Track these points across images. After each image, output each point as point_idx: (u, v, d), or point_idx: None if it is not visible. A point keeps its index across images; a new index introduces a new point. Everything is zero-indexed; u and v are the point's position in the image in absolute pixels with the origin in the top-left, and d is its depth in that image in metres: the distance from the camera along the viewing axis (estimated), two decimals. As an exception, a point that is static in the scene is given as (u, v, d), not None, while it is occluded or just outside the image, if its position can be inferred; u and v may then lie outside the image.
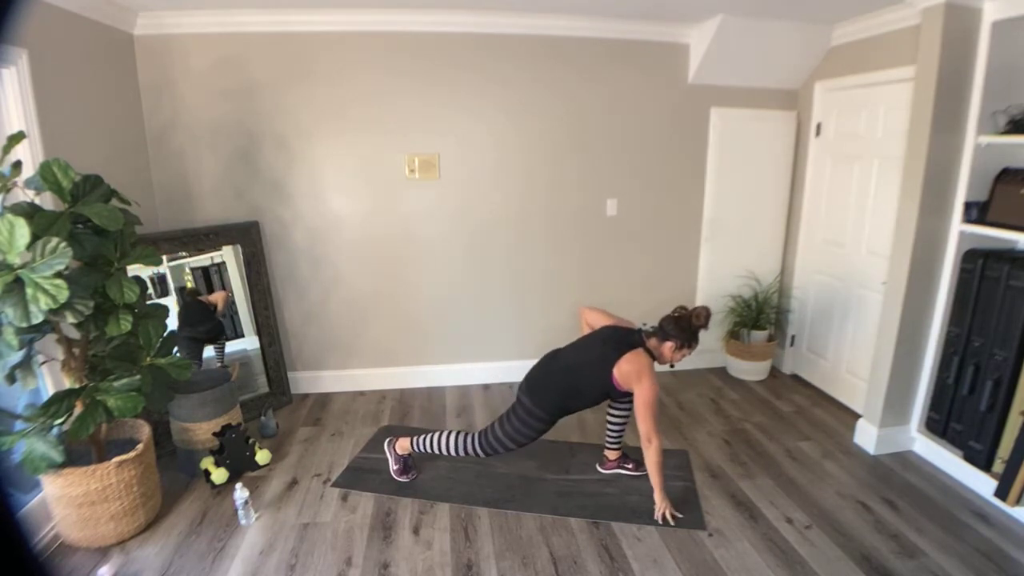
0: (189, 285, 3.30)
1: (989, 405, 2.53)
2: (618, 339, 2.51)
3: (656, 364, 2.49)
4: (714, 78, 3.65)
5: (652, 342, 2.51)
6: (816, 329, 3.83)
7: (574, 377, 2.51)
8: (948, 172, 2.70)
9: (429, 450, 2.66)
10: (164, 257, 3.11)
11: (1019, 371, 2.44)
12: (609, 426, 2.80)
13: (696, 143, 3.81)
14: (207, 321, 3.34)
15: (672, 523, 2.44)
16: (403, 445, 2.74)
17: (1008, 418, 2.48)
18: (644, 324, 2.64)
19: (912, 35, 2.80)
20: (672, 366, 2.58)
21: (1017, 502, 2.41)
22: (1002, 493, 2.45)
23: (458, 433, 2.64)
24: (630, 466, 2.81)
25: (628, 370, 2.40)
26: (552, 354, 2.65)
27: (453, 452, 2.63)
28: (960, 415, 2.71)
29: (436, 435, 2.66)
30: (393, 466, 2.75)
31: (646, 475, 2.78)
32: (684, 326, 2.47)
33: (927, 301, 2.87)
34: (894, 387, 2.96)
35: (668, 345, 2.49)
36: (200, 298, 3.33)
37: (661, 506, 2.46)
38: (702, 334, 2.54)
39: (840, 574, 2.16)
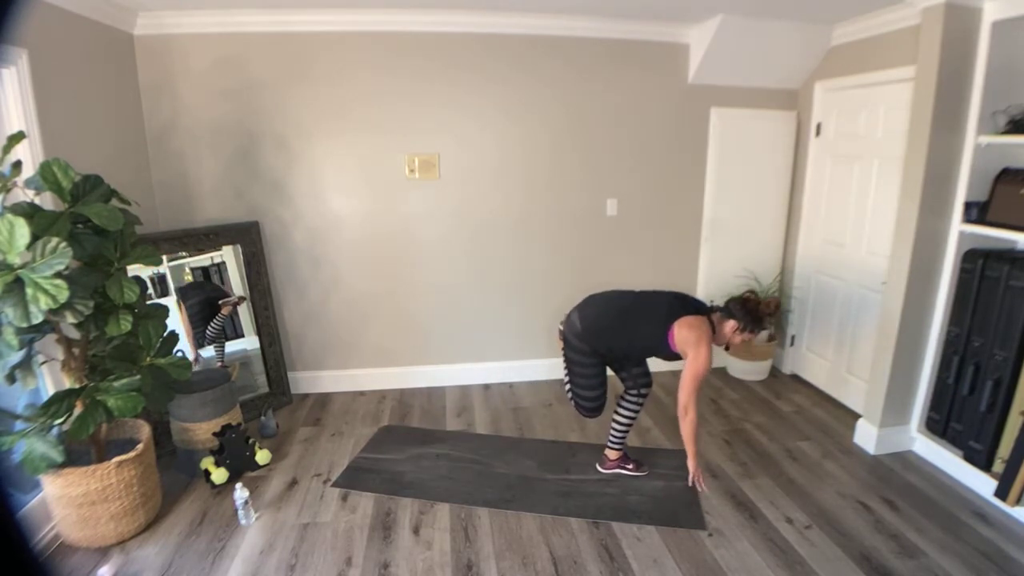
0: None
1: (989, 405, 2.53)
2: (686, 302, 2.56)
3: (716, 343, 2.51)
4: (714, 78, 3.65)
5: (715, 316, 2.53)
6: (816, 329, 3.83)
7: (632, 320, 2.54)
8: (948, 172, 2.70)
9: (620, 436, 2.78)
10: (164, 257, 3.11)
11: (1019, 371, 2.44)
12: (615, 425, 2.79)
13: (696, 143, 3.81)
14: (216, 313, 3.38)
15: (704, 489, 2.56)
16: (612, 454, 2.82)
17: (1008, 418, 2.48)
18: (711, 301, 2.68)
19: (912, 35, 2.80)
20: (727, 348, 2.60)
21: (1017, 502, 2.41)
22: (1002, 493, 2.45)
23: (614, 413, 2.76)
24: (630, 466, 2.81)
25: (688, 334, 2.42)
26: (608, 294, 2.68)
27: (624, 423, 2.74)
28: (960, 415, 2.71)
29: (612, 426, 2.77)
30: (627, 467, 2.81)
31: (646, 475, 2.79)
32: (751, 308, 2.48)
33: (927, 301, 2.87)
34: (894, 387, 2.96)
35: (730, 324, 2.49)
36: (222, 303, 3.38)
37: (695, 472, 2.53)
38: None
39: (840, 574, 2.16)
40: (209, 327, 3.33)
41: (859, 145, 3.37)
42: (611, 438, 2.81)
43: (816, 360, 3.84)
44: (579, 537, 2.39)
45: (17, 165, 1.97)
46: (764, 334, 3.94)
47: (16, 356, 1.94)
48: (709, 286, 4.02)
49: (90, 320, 2.02)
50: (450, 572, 2.19)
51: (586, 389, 2.62)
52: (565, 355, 2.65)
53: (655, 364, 4.09)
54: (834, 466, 2.92)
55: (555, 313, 3.84)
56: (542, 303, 3.88)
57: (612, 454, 2.83)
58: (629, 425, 2.77)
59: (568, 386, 2.72)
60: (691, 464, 2.54)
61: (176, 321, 3.16)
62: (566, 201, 3.75)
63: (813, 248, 3.82)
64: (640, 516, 2.50)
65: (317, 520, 2.49)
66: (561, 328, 2.66)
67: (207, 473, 2.68)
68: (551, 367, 3.99)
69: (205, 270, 3.38)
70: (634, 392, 2.73)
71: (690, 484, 2.56)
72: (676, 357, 2.52)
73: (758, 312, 2.48)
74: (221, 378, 2.93)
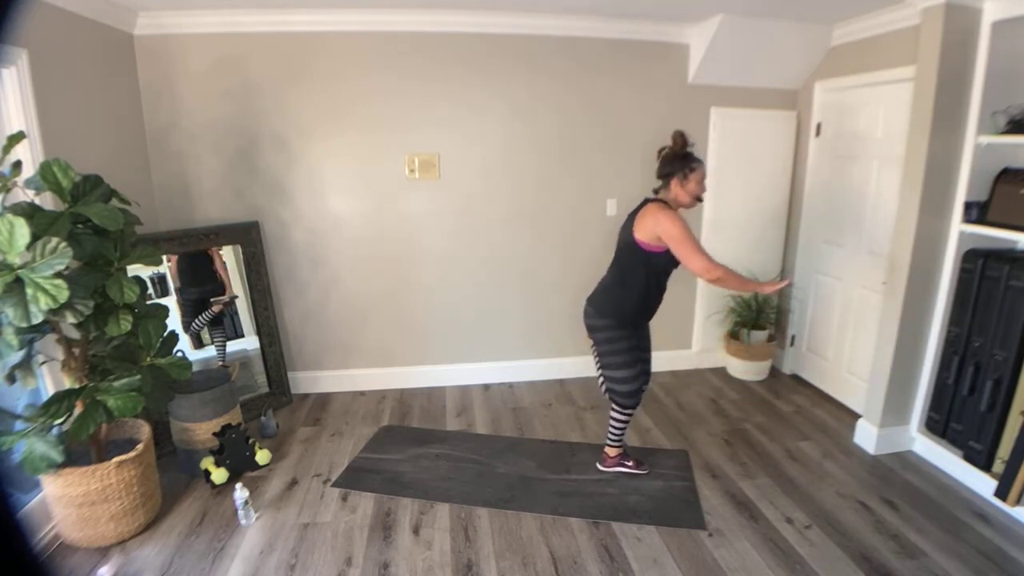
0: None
1: (989, 405, 2.53)
2: (630, 213, 2.52)
3: (682, 209, 2.47)
4: (714, 78, 3.65)
5: (662, 195, 2.49)
6: (816, 329, 3.83)
7: (617, 270, 2.54)
8: (948, 172, 2.70)
9: (617, 433, 2.74)
10: (164, 257, 3.11)
11: (1019, 371, 2.44)
12: (612, 422, 2.79)
13: (696, 143, 3.79)
14: (208, 281, 3.35)
15: (788, 283, 2.43)
16: (611, 452, 2.81)
17: (1008, 418, 2.48)
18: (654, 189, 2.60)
19: (912, 35, 2.80)
20: (700, 200, 2.50)
21: (1017, 502, 2.41)
22: (1002, 493, 2.45)
23: (611, 411, 2.70)
24: (630, 463, 2.81)
25: (644, 222, 2.40)
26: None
27: (618, 425, 2.69)
28: (960, 415, 2.71)
29: (609, 423, 2.74)
30: (627, 464, 2.80)
31: (646, 474, 2.79)
32: (670, 157, 2.46)
33: (927, 301, 2.87)
34: (894, 387, 2.96)
35: (673, 183, 2.44)
36: (215, 255, 3.36)
37: (771, 288, 2.45)
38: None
39: (840, 574, 2.16)
40: (196, 320, 3.30)
41: (859, 145, 3.37)
42: (609, 435, 2.81)
43: (816, 360, 3.84)
44: (579, 537, 2.39)
45: (17, 165, 1.97)
46: (763, 335, 3.95)
47: (16, 356, 1.94)
48: (709, 285, 4.01)
49: (90, 320, 2.02)
50: (450, 572, 2.19)
51: (616, 369, 2.58)
52: (592, 343, 2.64)
53: (655, 364, 4.10)
54: (834, 466, 2.92)
55: (555, 313, 3.85)
56: (542, 303, 3.87)
57: (612, 452, 2.83)
58: (626, 422, 2.77)
59: (601, 380, 2.68)
60: (766, 288, 2.45)
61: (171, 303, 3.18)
62: (566, 201, 3.75)
63: (813, 248, 3.82)
64: (640, 516, 2.50)
65: (317, 520, 2.49)
66: (584, 321, 2.67)
67: (207, 473, 2.68)
68: (551, 367, 3.99)
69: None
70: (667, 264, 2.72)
71: (788, 282, 2.50)
72: (668, 261, 2.44)
73: (675, 152, 2.44)
74: (221, 378, 2.93)
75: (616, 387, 2.62)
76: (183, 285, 3.25)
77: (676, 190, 2.45)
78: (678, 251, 2.34)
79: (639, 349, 2.65)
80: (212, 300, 3.35)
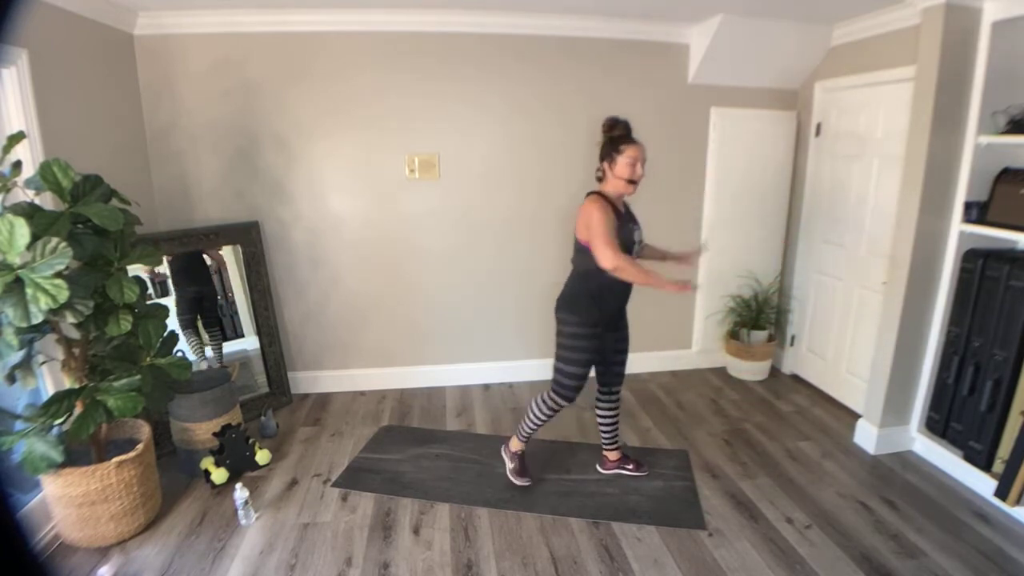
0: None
1: (989, 405, 2.53)
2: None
3: (625, 195, 2.44)
4: (714, 78, 3.65)
5: (601, 185, 2.46)
6: (816, 329, 3.83)
7: (573, 267, 2.52)
8: (948, 172, 2.70)
9: (530, 428, 2.66)
10: (164, 257, 3.11)
11: (1019, 371, 2.44)
12: (601, 425, 2.81)
13: (696, 143, 3.81)
14: (202, 281, 3.34)
15: (691, 288, 2.29)
16: (513, 443, 2.75)
17: (1008, 418, 2.48)
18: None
19: (912, 35, 2.80)
20: (634, 183, 2.41)
21: (1017, 502, 2.42)
22: (1002, 493, 2.45)
23: (539, 396, 2.63)
24: (630, 467, 2.81)
25: (579, 219, 2.38)
26: None
27: (543, 413, 2.60)
28: (960, 415, 2.71)
29: (527, 413, 2.67)
30: (509, 465, 2.75)
31: (646, 475, 2.79)
32: (601, 148, 2.44)
33: (927, 301, 2.87)
34: (894, 387, 2.96)
35: (605, 169, 2.42)
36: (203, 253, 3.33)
37: (671, 286, 2.24)
38: None
39: (840, 574, 2.16)
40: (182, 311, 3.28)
41: (859, 145, 3.37)
42: (603, 440, 2.82)
43: (816, 360, 3.84)
44: (579, 537, 2.39)
45: (17, 165, 1.97)
46: (763, 335, 3.95)
47: (16, 356, 1.94)
48: (709, 286, 4.02)
49: (90, 320, 2.01)
50: (450, 572, 2.19)
51: (565, 363, 2.50)
52: (560, 344, 2.56)
53: (655, 364, 4.11)
54: (834, 466, 2.92)
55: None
56: (542, 303, 3.85)
57: (611, 455, 2.83)
58: (614, 422, 2.77)
59: (555, 366, 2.58)
60: (667, 286, 2.24)
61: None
62: (565, 201, 3.74)
63: (813, 248, 3.82)
64: (640, 516, 2.50)
65: (317, 520, 2.49)
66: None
67: (207, 473, 2.68)
68: (551, 367, 3.98)
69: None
70: (605, 391, 2.74)
71: (689, 288, 2.27)
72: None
73: (605, 137, 2.41)
74: (221, 378, 2.93)
75: (560, 378, 2.54)
76: (178, 285, 3.24)
77: (608, 176, 2.43)
78: (590, 241, 2.30)
79: (601, 352, 2.57)
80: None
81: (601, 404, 2.78)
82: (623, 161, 2.37)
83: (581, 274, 2.47)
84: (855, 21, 3.24)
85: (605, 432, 2.81)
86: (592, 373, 2.59)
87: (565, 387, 2.54)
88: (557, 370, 2.56)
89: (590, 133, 3.64)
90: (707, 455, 3.01)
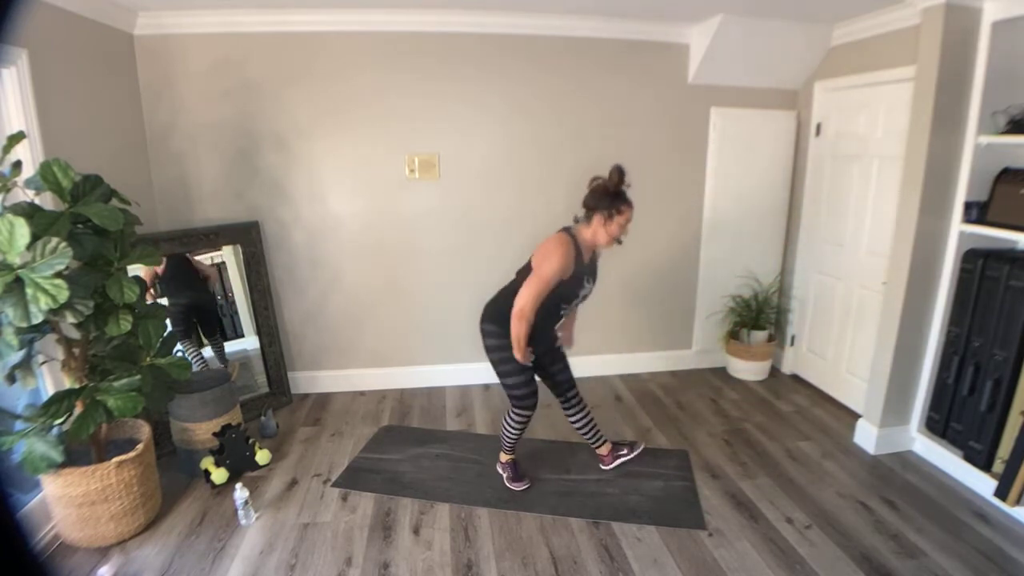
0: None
1: (989, 405, 2.53)
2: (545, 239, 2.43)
3: (603, 248, 2.41)
4: (714, 78, 3.65)
5: (580, 229, 2.41)
6: (816, 329, 3.83)
7: (511, 285, 2.48)
8: (948, 172, 2.70)
9: (510, 441, 2.67)
10: (164, 257, 3.11)
11: (1019, 371, 2.44)
12: (577, 430, 2.83)
13: (696, 143, 3.80)
14: (195, 290, 3.32)
15: (526, 362, 2.36)
16: (502, 456, 2.76)
17: (1008, 418, 2.48)
18: (574, 218, 2.50)
19: (912, 35, 2.80)
20: (620, 243, 2.42)
21: (1017, 502, 2.41)
22: (1002, 493, 2.45)
23: (506, 411, 2.64)
24: (625, 451, 2.83)
25: (538, 249, 2.34)
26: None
27: (513, 426, 2.61)
28: (960, 415, 2.71)
29: (501, 428, 2.69)
30: (504, 475, 2.74)
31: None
32: (600, 192, 2.34)
33: (927, 301, 2.87)
34: (894, 387, 2.96)
35: (596, 219, 2.35)
36: (192, 259, 3.29)
37: (520, 355, 2.35)
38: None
39: (840, 574, 2.16)
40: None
41: (859, 145, 3.37)
42: (587, 440, 2.84)
43: (816, 360, 3.84)
44: (579, 537, 2.39)
45: (17, 165, 1.97)
46: (763, 335, 3.95)
47: (16, 356, 1.94)
48: (709, 286, 4.02)
49: (90, 320, 2.01)
50: (450, 572, 2.19)
51: (506, 376, 2.49)
52: (491, 360, 2.53)
53: (655, 364, 4.11)
54: (834, 466, 2.92)
55: (555, 313, 3.84)
56: (542, 303, 3.87)
57: (602, 451, 2.85)
58: (585, 423, 2.78)
59: (504, 388, 2.59)
60: (519, 353, 2.34)
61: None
62: (565, 201, 3.72)
63: (813, 248, 3.82)
64: (640, 516, 2.50)
65: (317, 520, 2.49)
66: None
67: (207, 473, 2.68)
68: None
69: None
70: (560, 398, 2.74)
71: (529, 360, 2.38)
72: (559, 294, 2.37)
73: (607, 188, 2.33)
74: (221, 378, 2.93)
75: (509, 391, 2.54)
76: (171, 294, 3.21)
77: (596, 227, 2.36)
78: (524, 286, 2.28)
79: (535, 365, 2.54)
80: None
81: (565, 411, 2.80)
82: (619, 221, 2.36)
83: (511, 285, 2.46)
84: (855, 21, 3.24)
85: (584, 434, 2.83)
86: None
87: (519, 397, 2.54)
88: (503, 385, 2.56)
89: (590, 133, 3.66)
90: (707, 455, 3.01)
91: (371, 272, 3.66)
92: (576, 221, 2.47)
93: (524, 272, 2.45)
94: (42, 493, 2.27)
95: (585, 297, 2.53)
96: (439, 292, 3.75)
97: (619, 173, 2.35)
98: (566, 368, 2.72)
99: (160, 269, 3.11)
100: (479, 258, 3.74)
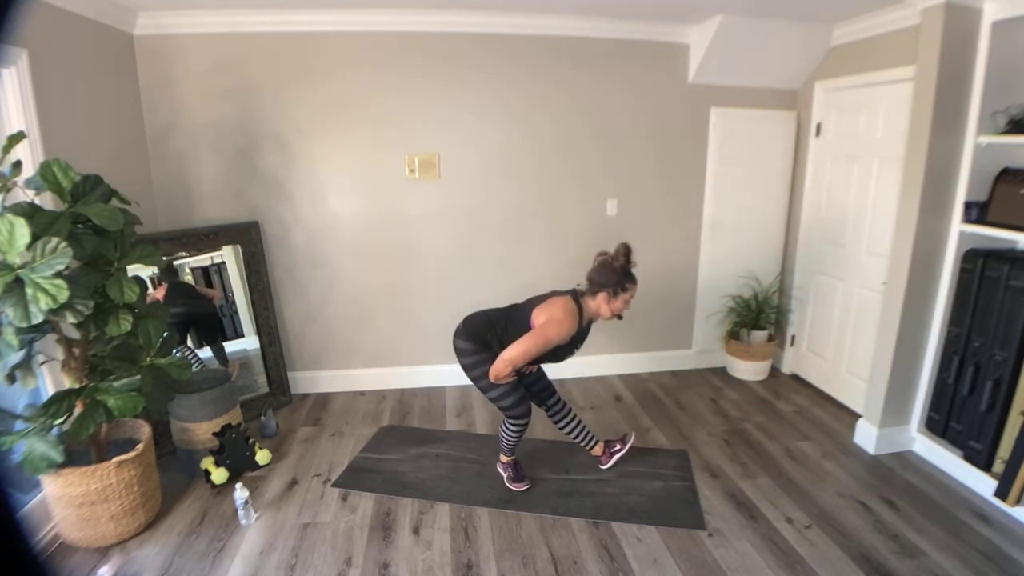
0: (187, 278, 3.30)
1: (989, 405, 2.53)
2: (553, 292, 2.51)
3: (602, 318, 2.46)
4: (714, 78, 3.65)
5: (586, 300, 2.45)
6: (816, 329, 3.83)
7: (501, 314, 2.52)
8: (948, 172, 2.70)
9: (509, 446, 2.67)
10: (164, 257, 3.10)
11: (1019, 371, 2.44)
12: (567, 434, 2.84)
13: (696, 143, 3.81)
14: (191, 302, 3.31)
15: (505, 381, 2.40)
16: (596, 450, 2.81)
17: (1008, 418, 2.48)
18: (577, 285, 2.54)
19: (912, 35, 2.80)
20: (620, 317, 2.49)
21: (1017, 502, 2.42)
22: (1002, 493, 2.45)
23: (502, 421, 2.66)
24: (617, 446, 2.84)
25: (544, 307, 2.37)
26: (485, 311, 2.64)
27: (511, 432, 2.61)
28: (960, 415, 2.71)
29: (499, 434, 2.69)
30: (504, 475, 2.74)
31: (647, 474, 2.79)
32: (608, 268, 2.41)
33: (927, 301, 2.87)
34: (894, 387, 2.96)
35: (601, 296, 2.41)
36: (189, 284, 3.29)
37: (499, 374, 2.37)
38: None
39: (840, 574, 2.16)
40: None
41: (859, 145, 3.37)
42: (578, 442, 2.85)
43: (816, 360, 3.84)
44: (579, 537, 2.39)
45: (17, 165, 1.97)
46: (763, 335, 3.95)
47: (16, 356, 1.94)
48: (709, 285, 4.02)
49: (90, 320, 2.01)
50: (450, 572, 2.19)
51: (491, 390, 2.49)
52: (471, 377, 2.54)
53: (655, 364, 4.11)
54: (834, 466, 2.92)
55: (555, 313, 3.84)
56: (542, 303, 3.87)
57: (596, 450, 2.86)
58: (573, 427, 2.81)
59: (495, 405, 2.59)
60: (492, 378, 2.39)
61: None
62: (566, 201, 3.75)
63: (813, 248, 3.82)
64: (640, 516, 2.50)
65: (317, 520, 2.49)
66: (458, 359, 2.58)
67: (207, 473, 2.68)
68: (550, 367, 3.97)
69: (205, 270, 3.38)
70: (546, 409, 2.78)
71: (493, 379, 2.40)
72: (549, 352, 2.42)
73: (613, 266, 2.39)
74: (221, 378, 2.93)
75: (498, 405, 2.54)
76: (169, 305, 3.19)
77: (600, 302, 2.42)
78: (523, 339, 2.33)
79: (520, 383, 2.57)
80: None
81: (552, 419, 2.83)
82: (624, 298, 2.42)
83: (500, 333, 2.47)
84: (855, 21, 3.24)
85: (575, 438, 2.84)
86: None
87: (507, 408, 2.55)
88: (491, 399, 2.56)
89: (590, 132, 3.66)
90: (707, 455, 3.01)
91: (371, 272, 3.67)
92: (580, 290, 2.50)
93: (519, 315, 2.47)
94: (42, 493, 2.27)
95: (566, 358, 2.59)
96: (439, 292, 3.75)
97: (626, 252, 2.41)
98: (543, 377, 2.76)
99: (161, 295, 3.12)
100: (479, 258, 3.74)
